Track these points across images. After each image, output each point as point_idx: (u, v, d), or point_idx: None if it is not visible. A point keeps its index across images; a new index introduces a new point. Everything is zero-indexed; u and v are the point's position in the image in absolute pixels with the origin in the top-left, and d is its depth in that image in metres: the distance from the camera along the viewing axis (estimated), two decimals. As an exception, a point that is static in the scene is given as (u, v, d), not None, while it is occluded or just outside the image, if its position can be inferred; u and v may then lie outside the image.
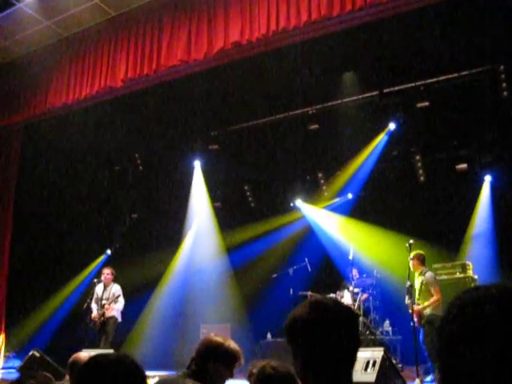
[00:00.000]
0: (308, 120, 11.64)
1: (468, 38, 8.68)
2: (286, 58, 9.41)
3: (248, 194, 13.34)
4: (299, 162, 12.19)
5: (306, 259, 10.86)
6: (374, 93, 11.01)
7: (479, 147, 10.44)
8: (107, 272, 9.85)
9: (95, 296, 9.76)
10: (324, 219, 12.22)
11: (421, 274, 8.11)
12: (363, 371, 6.51)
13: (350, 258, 10.26)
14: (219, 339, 3.42)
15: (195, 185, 13.14)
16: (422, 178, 11.26)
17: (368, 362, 6.60)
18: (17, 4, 9.14)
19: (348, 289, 10.36)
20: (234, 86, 10.51)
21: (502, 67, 9.89)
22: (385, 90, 10.86)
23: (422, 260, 8.14)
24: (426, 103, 10.44)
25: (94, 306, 9.68)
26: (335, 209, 12.10)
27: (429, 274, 8.07)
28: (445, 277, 9.11)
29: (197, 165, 13.04)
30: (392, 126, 11.09)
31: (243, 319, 11.48)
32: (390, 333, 9.81)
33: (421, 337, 7.90)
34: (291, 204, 12.67)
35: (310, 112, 11.60)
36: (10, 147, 11.10)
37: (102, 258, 12.51)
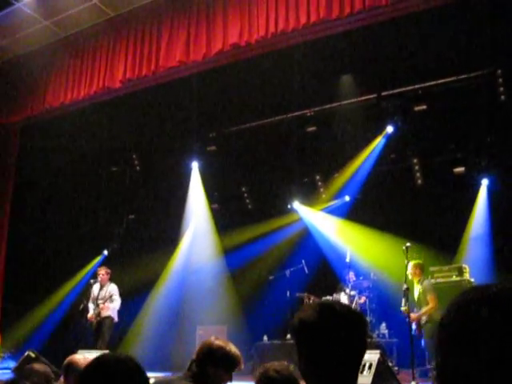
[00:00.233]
0: (306, 122, 11.64)
1: (466, 42, 8.70)
2: (285, 60, 9.43)
3: (245, 195, 13.33)
4: (297, 164, 12.19)
5: (303, 261, 10.86)
6: (372, 95, 11.02)
7: (476, 150, 10.46)
8: (103, 272, 9.85)
9: (92, 296, 9.76)
10: (321, 221, 12.22)
11: (419, 282, 8.17)
12: (359, 374, 6.51)
13: (347, 260, 10.27)
14: (220, 343, 3.43)
15: (193, 186, 13.13)
16: (419, 181, 11.27)
17: (364, 365, 6.60)
18: (16, 3, 9.14)
19: (345, 291, 10.36)
20: (232, 87, 10.52)
21: (499, 71, 9.90)
22: (383, 93, 10.87)
23: (421, 269, 8.23)
24: (424, 106, 10.46)
25: (90, 305, 9.67)
26: (332, 211, 12.09)
27: (426, 282, 8.16)
28: (441, 280, 9.11)
29: (194, 166, 13.03)
30: (390, 128, 11.09)
31: (240, 321, 11.47)
32: (387, 335, 9.80)
33: (423, 342, 7.96)
34: (288, 206, 12.66)
35: (308, 114, 11.60)
36: (7, 147, 11.08)
37: (98, 258, 12.47)
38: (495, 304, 1.05)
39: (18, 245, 11.25)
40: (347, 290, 10.24)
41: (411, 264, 8.00)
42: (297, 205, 12.54)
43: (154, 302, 12.55)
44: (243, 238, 12.34)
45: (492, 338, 1.01)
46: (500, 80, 9.96)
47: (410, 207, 10.75)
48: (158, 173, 13.24)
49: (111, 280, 9.92)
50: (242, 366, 3.49)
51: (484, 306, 1.05)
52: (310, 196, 12.49)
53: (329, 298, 10.47)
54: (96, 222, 13.20)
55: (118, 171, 13.71)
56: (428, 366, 7.97)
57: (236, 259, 12.16)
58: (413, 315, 7.94)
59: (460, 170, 10.74)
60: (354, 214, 11.50)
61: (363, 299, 10.19)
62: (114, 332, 9.80)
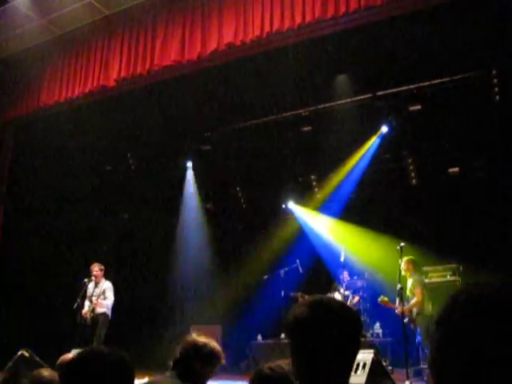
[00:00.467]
0: (301, 122, 11.65)
1: (461, 42, 8.70)
2: (280, 59, 9.41)
3: (240, 195, 13.33)
4: (292, 163, 12.20)
5: (298, 261, 10.88)
6: (367, 95, 11.02)
7: (471, 151, 10.49)
8: (96, 269, 9.83)
9: (88, 293, 9.74)
10: (316, 221, 12.24)
11: (410, 276, 8.38)
12: (353, 373, 6.52)
13: (342, 260, 10.29)
14: (204, 339, 3.44)
15: (187, 185, 13.12)
16: (413, 181, 11.31)
17: (358, 364, 6.60)
18: (10, 1, 9.10)
19: (339, 291, 10.38)
20: (227, 87, 10.50)
21: (494, 71, 9.93)
22: (377, 93, 10.88)
23: (413, 264, 8.44)
24: (419, 106, 10.48)
25: (86, 303, 9.66)
26: (327, 211, 12.11)
27: (417, 276, 8.43)
28: (436, 280, 9.15)
29: (189, 165, 13.03)
30: (384, 128, 11.13)
31: (234, 320, 11.48)
32: (381, 335, 9.83)
33: (418, 338, 8.08)
34: (283, 206, 12.68)
35: (303, 114, 11.60)
36: (1, 145, 11.03)
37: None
38: (490, 303, 1.05)
39: (11, 244, 11.20)
40: (341, 290, 10.27)
41: (404, 260, 8.15)
42: (291, 204, 12.56)
43: (148, 301, 12.54)
44: (237, 238, 12.35)
45: (488, 337, 1.01)
46: (495, 80, 9.99)
47: (404, 207, 10.78)
48: (153, 172, 13.22)
49: (105, 277, 9.90)
50: (224, 361, 3.50)
51: (479, 305, 1.05)
52: (305, 196, 12.51)
53: (323, 297, 10.49)
54: (90, 220, 13.16)
55: (112, 170, 13.69)
56: (422, 366, 8.00)
57: (230, 259, 12.16)
58: (399, 308, 8.11)
59: (455, 170, 10.77)
60: (349, 213, 11.53)
61: (357, 299, 10.21)
62: (109, 330, 9.78)
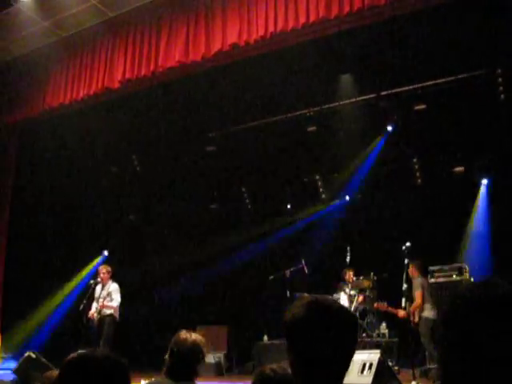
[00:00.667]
0: (306, 122, 11.64)
1: (465, 41, 8.69)
2: (284, 59, 9.41)
3: (245, 195, 13.34)
4: (297, 163, 12.20)
5: (303, 261, 10.86)
6: (372, 95, 11.01)
7: (476, 150, 10.45)
8: (104, 271, 9.81)
9: (95, 295, 9.74)
10: (321, 221, 12.23)
11: (414, 279, 8.50)
12: (359, 374, 6.51)
13: (347, 260, 10.27)
14: (194, 336, 3.52)
15: (194, 185, 13.14)
16: (418, 181, 11.29)
17: (364, 365, 6.60)
18: (14, 4, 9.12)
19: (345, 291, 10.36)
20: (231, 87, 10.51)
21: (499, 70, 9.90)
22: (382, 93, 10.87)
23: (418, 268, 8.52)
24: (423, 106, 10.46)
25: (93, 305, 9.65)
26: (332, 211, 12.11)
27: (420, 279, 8.49)
28: (441, 279, 9.10)
29: (196, 166, 13.03)
30: (389, 128, 11.11)
31: (240, 321, 11.47)
32: (387, 335, 9.80)
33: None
34: (288, 205, 12.67)
35: (308, 114, 11.60)
36: (6, 147, 11.07)
37: (99, 259, 12.46)
38: (491, 302, 1.05)
39: (18, 245, 11.23)
40: (347, 290, 10.24)
41: (411, 264, 8.18)
42: (297, 204, 12.55)
43: (153, 302, 12.56)
44: (243, 238, 12.35)
45: (489, 336, 1.01)
46: (500, 79, 9.96)
47: (409, 206, 10.75)
48: (158, 173, 13.23)
49: (113, 278, 9.89)
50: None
51: (480, 304, 1.05)
52: (310, 196, 12.50)
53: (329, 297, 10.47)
54: (96, 222, 13.19)
55: (117, 171, 13.71)
56: (428, 366, 7.98)
57: (236, 259, 12.16)
58: (401, 311, 8.22)
59: (460, 169, 10.75)
60: (354, 213, 11.51)
61: (362, 298, 10.18)
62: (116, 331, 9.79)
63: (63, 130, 10.99)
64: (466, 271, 9.18)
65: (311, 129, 11.56)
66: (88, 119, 10.85)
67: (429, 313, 8.23)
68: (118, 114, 11.17)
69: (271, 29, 7.77)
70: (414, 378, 7.10)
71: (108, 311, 9.48)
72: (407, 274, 7.95)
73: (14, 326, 11.13)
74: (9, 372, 8.87)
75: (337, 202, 12.09)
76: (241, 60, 8.95)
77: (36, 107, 10.26)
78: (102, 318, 9.44)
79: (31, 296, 11.50)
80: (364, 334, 9.66)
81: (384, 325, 9.96)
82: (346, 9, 7.25)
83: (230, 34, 8.11)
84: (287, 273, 10.75)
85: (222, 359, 10.67)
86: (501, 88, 9.96)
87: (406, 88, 10.59)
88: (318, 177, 12.54)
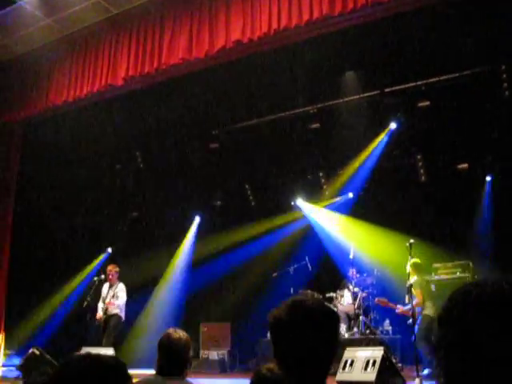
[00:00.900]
0: (309, 119, 11.63)
1: (469, 38, 8.67)
2: (288, 56, 9.41)
3: (249, 192, 13.34)
4: (300, 160, 12.20)
5: (307, 258, 10.86)
6: (375, 92, 10.99)
7: (480, 147, 10.43)
8: (112, 272, 9.79)
9: (102, 295, 9.75)
10: (325, 218, 12.22)
11: (412, 277, 8.41)
12: (363, 370, 6.51)
13: (351, 256, 10.27)
14: (181, 334, 3.61)
15: (196, 184, 13.14)
16: (422, 178, 11.27)
17: (368, 362, 6.60)
18: (18, 1, 9.13)
19: (348, 288, 10.37)
20: (235, 84, 10.50)
21: (503, 67, 9.87)
22: (386, 90, 10.85)
23: (416, 268, 8.41)
24: (427, 103, 10.45)
25: (100, 305, 9.66)
26: (336, 208, 12.10)
27: (417, 278, 8.38)
28: (445, 276, 9.11)
29: (199, 162, 13.03)
30: (393, 125, 11.09)
31: (243, 318, 11.48)
32: (390, 332, 9.80)
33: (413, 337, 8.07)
34: (292, 203, 12.66)
35: (312, 111, 11.58)
36: (10, 145, 11.09)
37: (102, 256, 12.49)
38: (489, 302, 1.05)
39: (21, 243, 11.26)
40: (351, 287, 10.26)
41: (409, 263, 8.21)
42: (300, 202, 12.55)
43: (157, 299, 12.57)
44: (247, 235, 12.35)
45: (488, 335, 1.01)
46: (504, 76, 9.93)
47: (413, 203, 10.74)
48: (162, 170, 13.25)
49: (120, 278, 9.90)
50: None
51: (478, 303, 1.05)
52: (314, 193, 12.49)
53: (332, 294, 10.50)
54: (100, 220, 13.22)
55: (121, 168, 13.73)
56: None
57: (239, 256, 12.16)
58: (400, 308, 8.46)
59: (464, 166, 10.73)
60: (358, 210, 11.50)
61: (366, 295, 10.18)
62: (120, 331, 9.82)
63: (67, 127, 11.01)
64: (470, 268, 9.18)
65: (315, 126, 11.55)
66: (91, 116, 10.87)
67: (429, 311, 8.23)
68: (121, 111, 11.18)
69: (275, 26, 7.75)
70: (418, 375, 7.09)
71: (114, 311, 9.49)
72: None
73: (17, 322, 11.18)
74: (13, 368, 8.92)
75: (340, 198, 12.06)
76: (244, 57, 8.95)
77: (39, 105, 10.27)
78: (108, 318, 9.46)
79: (35, 293, 11.54)
80: (367, 331, 9.66)
81: (387, 322, 9.96)
82: (350, 6, 7.23)
83: (234, 30, 8.10)
84: (291, 270, 10.76)
85: (226, 356, 10.69)
86: (505, 84, 9.94)
87: (410, 85, 10.57)
88: (321, 174, 12.52)
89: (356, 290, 10.16)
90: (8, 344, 10.66)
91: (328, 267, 11.30)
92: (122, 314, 9.60)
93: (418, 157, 11.20)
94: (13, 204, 10.96)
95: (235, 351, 11.11)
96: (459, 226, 10.21)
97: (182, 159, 13.02)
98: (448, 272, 9.22)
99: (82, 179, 12.47)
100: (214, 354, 10.77)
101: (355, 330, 9.83)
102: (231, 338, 11.33)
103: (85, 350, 6.85)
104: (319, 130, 11.56)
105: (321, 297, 10.56)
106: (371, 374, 6.36)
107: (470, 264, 9.23)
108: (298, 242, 11.90)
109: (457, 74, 10.09)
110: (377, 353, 6.61)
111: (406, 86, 10.61)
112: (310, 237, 11.99)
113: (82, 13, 9.41)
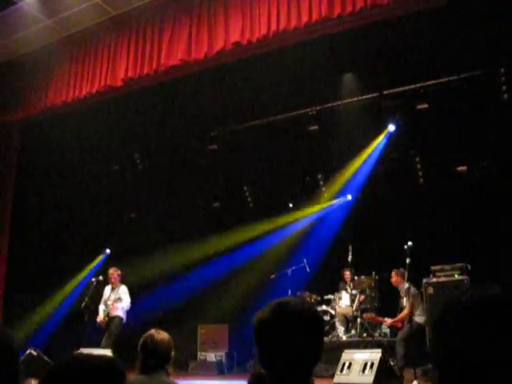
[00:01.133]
0: (308, 121, 11.63)
1: (468, 41, 8.68)
2: (287, 58, 9.41)
3: (247, 194, 13.34)
4: (298, 162, 12.20)
5: (305, 260, 10.86)
6: (374, 94, 11.00)
7: (479, 149, 10.45)
8: (114, 274, 9.79)
9: (104, 297, 9.74)
10: (323, 220, 12.22)
11: (399, 286, 8.67)
12: (361, 373, 6.52)
13: (349, 259, 10.27)
14: (164, 335, 3.74)
15: (196, 183, 13.14)
16: (421, 180, 11.28)
17: (366, 364, 6.61)
18: (17, 3, 9.13)
19: (346, 290, 10.37)
20: (233, 86, 10.51)
21: (502, 70, 9.88)
22: (384, 92, 10.86)
23: (402, 275, 8.46)
24: (426, 105, 10.45)
25: (101, 307, 9.64)
26: (334, 210, 12.10)
27: (405, 285, 8.35)
28: (443, 279, 9.09)
29: (197, 164, 13.03)
30: (391, 127, 11.10)
31: (241, 319, 11.47)
32: (388, 334, 9.80)
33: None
34: (290, 205, 12.67)
35: (310, 113, 11.59)
36: (9, 145, 11.08)
37: (101, 257, 12.47)
38: (480, 309, 1.07)
39: (20, 243, 11.25)
40: (349, 289, 10.26)
41: (393, 273, 8.30)
42: (298, 203, 12.54)
43: (154, 300, 12.55)
44: (244, 237, 12.35)
45: (476, 340, 1.02)
46: (502, 78, 9.94)
47: (411, 206, 10.74)
48: (160, 171, 13.24)
49: (122, 280, 9.89)
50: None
51: (470, 310, 1.07)
52: (312, 195, 12.50)
53: (330, 296, 10.50)
54: (98, 221, 13.20)
55: (119, 170, 13.72)
56: (430, 366, 7.98)
57: (237, 258, 12.16)
58: (388, 320, 8.71)
59: (462, 168, 10.74)
60: (356, 212, 11.50)
61: (363, 298, 10.19)
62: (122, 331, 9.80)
63: (65, 127, 10.99)
64: (468, 271, 9.17)
65: (313, 128, 11.55)
66: (90, 117, 10.86)
67: (420, 318, 8.28)
68: (119, 112, 11.18)
69: (274, 28, 7.76)
70: (416, 378, 7.10)
71: (116, 313, 9.48)
72: (408, 273, 7.95)
73: (15, 323, 11.15)
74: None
75: (338, 201, 12.07)
76: (243, 59, 8.96)
77: (38, 105, 10.27)
78: (110, 319, 9.45)
79: (33, 294, 11.52)
80: (365, 334, 9.66)
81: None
82: (349, 8, 7.24)
83: (233, 32, 8.12)
84: (289, 271, 10.76)
85: (224, 358, 10.69)
86: (504, 87, 9.95)
87: (409, 87, 10.58)
88: (319, 176, 12.53)
89: (354, 292, 10.17)
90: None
91: (326, 269, 11.30)
92: (124, 316, 9.60)
93: (417, 159, 11.21)
94: (11, 204, 10.96)
95: (233, 353, 11.11)
96: (458, 228, 10.22)
97: (181, 160, 13.01)
98: (446, 274, 9.21)
99: (80, 179, 12.46)
100: (211, 356, 10.78)
101: (353, 332, 9.83)
102: (229, 339, 11.33)
103: (82, 351, 6.83)
104: (318, 132, 11.56)
105: (319, 299, 10.59)
106: (369, 377, 6.38)
107: (468, 267, 9.22)
108: (296, 244, 11.90)
109: (455, 77, 10.11)
110: (375, 355, 6.64)
111: (405, 88, 10.62)
112: (308, 239, 11.98)
113: (82, 14, 9.41)
